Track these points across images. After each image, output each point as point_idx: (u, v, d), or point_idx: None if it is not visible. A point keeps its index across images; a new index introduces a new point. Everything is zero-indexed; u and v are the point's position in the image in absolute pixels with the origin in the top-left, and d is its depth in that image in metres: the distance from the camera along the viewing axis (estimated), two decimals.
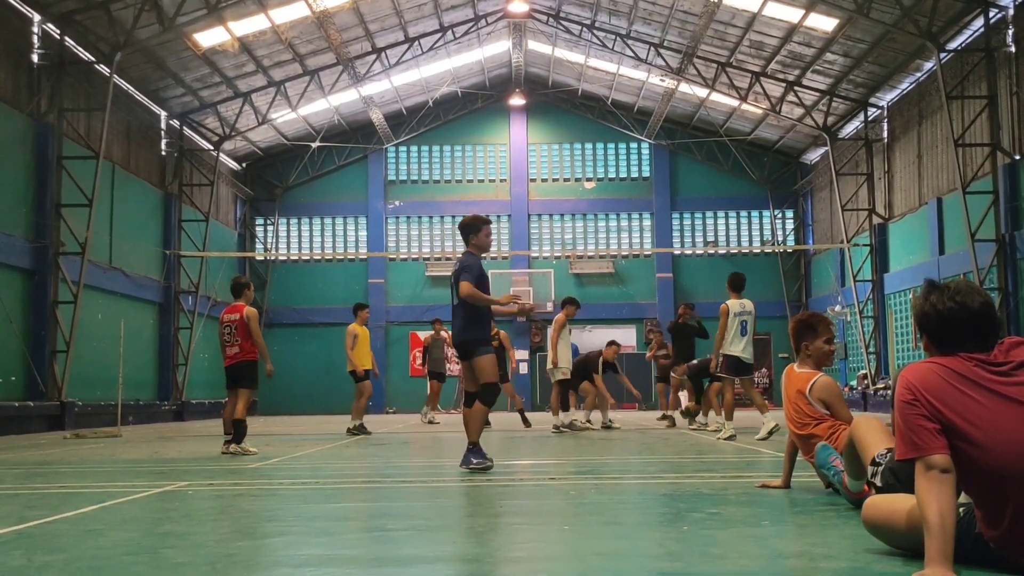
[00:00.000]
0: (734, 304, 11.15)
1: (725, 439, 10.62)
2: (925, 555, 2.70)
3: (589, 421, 14.97)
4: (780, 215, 31.41)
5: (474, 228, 7.61)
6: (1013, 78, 17.74)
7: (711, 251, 30.64)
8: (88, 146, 18.94)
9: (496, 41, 27.98)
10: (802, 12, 20.45)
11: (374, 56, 25.11)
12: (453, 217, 31.28)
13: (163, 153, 24.36)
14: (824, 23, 20.79)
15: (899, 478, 4.19)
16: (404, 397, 29.69)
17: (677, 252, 30.71)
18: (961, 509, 2.95)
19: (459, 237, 36.04)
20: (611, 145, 31.71)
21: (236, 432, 9.43)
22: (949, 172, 20.22)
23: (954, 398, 2.85)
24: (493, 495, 5.61)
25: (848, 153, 25.97)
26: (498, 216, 31.50)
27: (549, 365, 13.82)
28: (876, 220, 24.60)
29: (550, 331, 13.92)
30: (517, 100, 30.86)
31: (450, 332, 16.88)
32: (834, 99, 24.60)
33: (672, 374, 15.99)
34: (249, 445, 9.60)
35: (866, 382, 23.75)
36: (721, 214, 31.56)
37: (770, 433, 10.23)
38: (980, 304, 2.98)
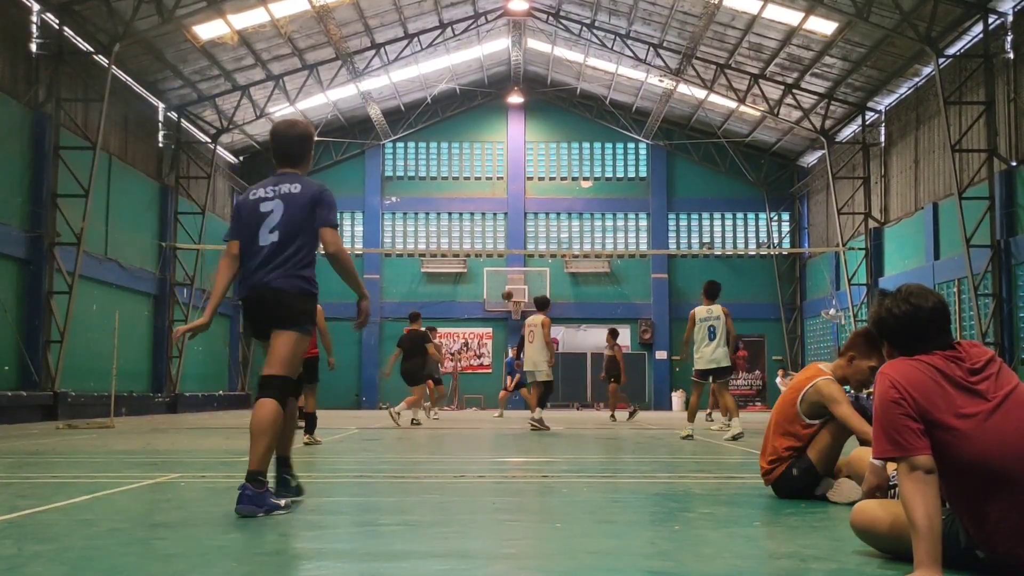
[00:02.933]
0: (700, 310, 11.63)
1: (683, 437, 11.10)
2: (914, 558, 2.71)
3: (415, 420, 15.51)
4: (776, 217, 31.46)
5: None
6: (1011, 84, 17.78)
7: (706, 252, 30.67)
8: (85, 137, 18.90)
9: (495, 39, 27.97)
10: (802, 15, 20.48)
11: (373, 52, 25.09)
12: (450, 214, 31.31)
13: (160, 145, 24.33)
14: (823, 26, 20.81)
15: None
16: (400, 393, 29.67)
17: (673, 253, 30.75)
18: (945, 512, 2.97)
19: (455, 233, 35.60)
20: (608, 145, 31.74)
21: (309, 424, 9.96)
22: (945, 177, 20.26)
23: (937, 393, 2.88)
24: (485, 492, 5.61)
25: (845, 157, 26.01)
26: (494, 214, 31.52)
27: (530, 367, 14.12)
28: (872, 224, 24.65)
29: (539, 331, 14.04)
30: (515, 98, 30.86)
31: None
32: (832, 103, 24.64)
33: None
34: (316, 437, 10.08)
35: None
36: (717, 215, 31.60)
37: (735, 438, 10.67)
38: (933, 303, 3.06)
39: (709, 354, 11.38)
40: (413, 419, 15.40)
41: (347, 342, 30.09)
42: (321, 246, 4.68)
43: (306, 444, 9.71)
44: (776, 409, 5.24)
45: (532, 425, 13.59)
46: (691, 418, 11.52)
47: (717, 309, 11.60)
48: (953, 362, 2.95)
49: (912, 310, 3.05)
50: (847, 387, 5.13)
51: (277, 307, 4.56)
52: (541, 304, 14.54)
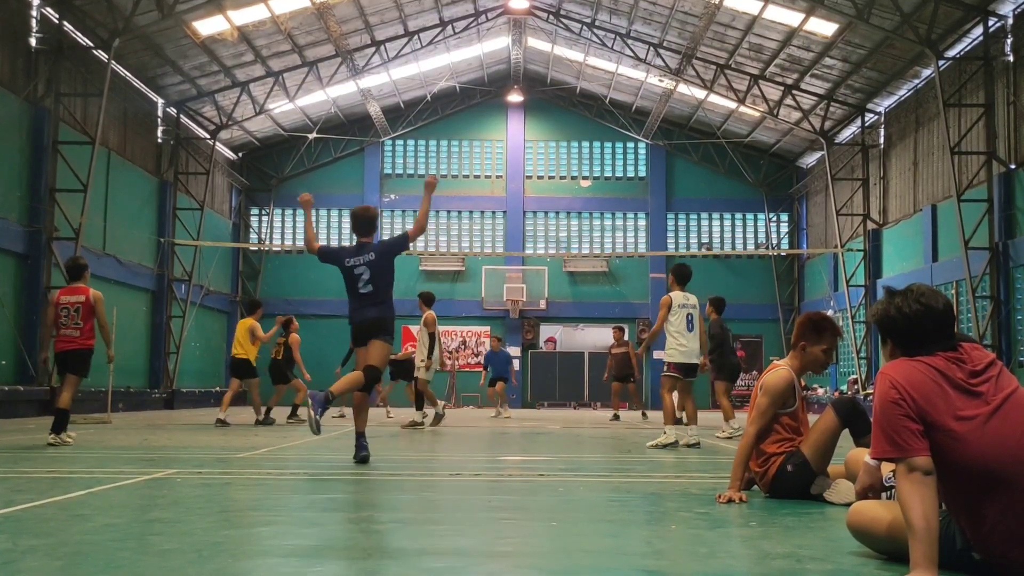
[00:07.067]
0: (677, 296, 10.07)
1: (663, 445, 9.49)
2: (910, 559, 2.70)
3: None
4: (775, 218, 31.47)
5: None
6: (1010, 87, 17.79)
7: (705, 252, 30.67)
8: (84, 132, 18.88)
9: (496, 37, 27.95)
10: (802, 16, 20.47)
11: (373, 49, 25.08)
12: (448, 212, 31.29)
13: (159, 141, 24.30)
14: (824, 28, 20.81)
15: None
16: (397, 392, 29.68)
17: (671, 254, 30.74)
18: (941, 514, 2.96)
19: (455, 231, 35.43)
20: (608, 144, 31.72)
21: (59, 420, 8.86)
22: (944, 179, 20.27)
23: (937, 394, 2.87)
24: (481, 490, 5.61)
25: (844, 158, 26.02)
26: (493, 212, 31.51)
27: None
28: (870, 225, 24.66)
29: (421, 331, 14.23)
30: (515, 97, 30.84)
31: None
32: (832, 104, 24.65)
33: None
34: (68, 434, 9.05)
35: (856, 387, 23.81)
36: (716, 216, 31.60)
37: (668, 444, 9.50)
38: (944, 305, 3.06)
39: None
40: (418, 421, 14.14)
41: (344, 341, 30.06)
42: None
43: (50, 444, 8.69)
44: (752, 418, 5.17)
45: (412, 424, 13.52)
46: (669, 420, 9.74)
47: (693, 298, 10.32)
48: (954, 364, 2.94)
49: (924, 310, 3.03)
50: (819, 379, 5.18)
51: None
52: (426, 300, 14.41)
